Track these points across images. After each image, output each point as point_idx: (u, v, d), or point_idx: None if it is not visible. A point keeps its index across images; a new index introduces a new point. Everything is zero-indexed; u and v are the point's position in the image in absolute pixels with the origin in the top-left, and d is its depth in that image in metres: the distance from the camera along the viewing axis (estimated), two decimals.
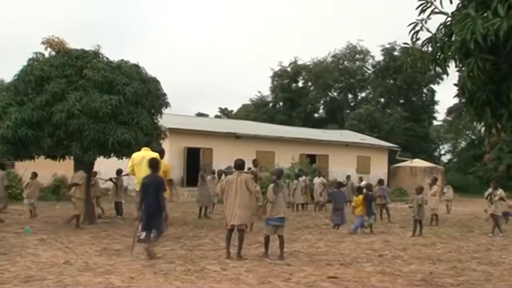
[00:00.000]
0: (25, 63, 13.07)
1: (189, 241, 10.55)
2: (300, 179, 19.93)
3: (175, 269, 7.62)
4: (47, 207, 18.52)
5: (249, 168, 13.38)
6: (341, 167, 29.31)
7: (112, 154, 13.11)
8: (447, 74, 5.41)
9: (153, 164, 8.93)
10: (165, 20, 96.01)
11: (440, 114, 52.08)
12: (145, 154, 9.99)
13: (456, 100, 6.27)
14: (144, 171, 9.52)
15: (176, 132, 22.87)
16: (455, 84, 5.50)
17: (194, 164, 25.02)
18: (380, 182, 17.09)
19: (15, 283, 6.44)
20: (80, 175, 12.83)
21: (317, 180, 20.67)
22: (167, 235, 11.06)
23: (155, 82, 13.71)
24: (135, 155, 10.19)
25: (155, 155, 9.77)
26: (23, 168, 21.32)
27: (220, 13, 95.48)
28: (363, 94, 54.83)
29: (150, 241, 8.64)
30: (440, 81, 45.82)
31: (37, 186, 15.93)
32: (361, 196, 13.21)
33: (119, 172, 15.61)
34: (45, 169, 21.11)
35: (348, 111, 51.19)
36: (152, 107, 13.59)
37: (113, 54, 13.85)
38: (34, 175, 15.88)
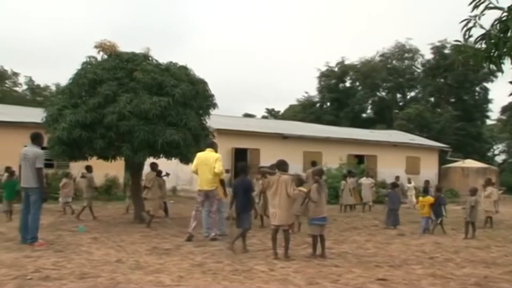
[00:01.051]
0: (79, 67, 13.46)
1: (237, 241, 10.57)
2: (348, 180, 19.73)
3: (223, 268, 7.68)
4: (99, 207, 18.93)
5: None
6: (390, 168, 28.83)
7: (161, 155, 13.32)
8: (502, 72, 5.22)
9: (242, 168, 10.21)
10: (213, 20, 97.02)
11: (494, 113, 50.56)
12: (209, 155, 10.85)
13: (511, 99, 6.06)
14: (207, 171, 10.63)
15: (224, 132, 23.01)
16: (510, 82, 5.33)
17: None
18: (426, 183, 16.88)
19: (71, 279, 6.63)
20: (150, 177, 13.34)
21: (365, 181, 20.41)
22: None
23: (203, 83, 13.86)
24: (200, 155, 10.97)
25: (218, 156, 10.86)
26: (76, 169, 21.94)
27: (268, 14, 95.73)
28: (412, 94, 53.84)
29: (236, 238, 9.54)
30: (494, 79, 44.56)
31: (72, 186, 16.76)
32: (429, 197, 13.33)
33: (159, 173, 15.83)
34: (97, 169, 21.66)
35: (396, 111, 50.35)
36: (200, 108, 13.75)
37: (162, 56, 14.12)
38: (68, 174, 16.88)
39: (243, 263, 8.18)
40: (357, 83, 53.99)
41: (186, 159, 13.13)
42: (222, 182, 11.49)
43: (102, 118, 12.24)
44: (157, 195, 13.46)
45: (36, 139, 9.89)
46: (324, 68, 54.01)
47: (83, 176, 16.08)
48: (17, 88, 56.61)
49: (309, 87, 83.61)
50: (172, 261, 8.16)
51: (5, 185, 15.01)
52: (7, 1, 78.85)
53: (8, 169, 16.36)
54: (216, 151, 11.12)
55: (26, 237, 9.53)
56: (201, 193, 10.87)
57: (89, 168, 15.48)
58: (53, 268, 7.35)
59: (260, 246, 9.99)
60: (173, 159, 13.52)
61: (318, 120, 46.94)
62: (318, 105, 55.23)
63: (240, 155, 25.31)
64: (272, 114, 62.39)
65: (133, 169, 14.49)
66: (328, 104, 54.69)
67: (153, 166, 13.65)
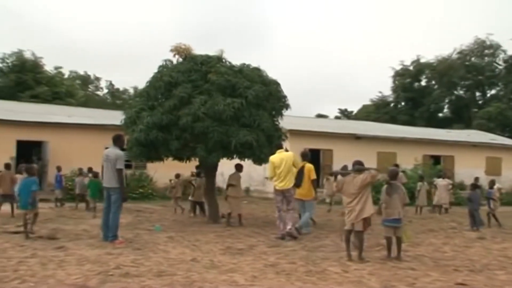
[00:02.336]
0: (156, 70, 13.83)
1: (310, 242, 10.55)
2: (425, 182, 19.21)
3: (296, 269, 7.67)
4: (173, 207, 19.40)
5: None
6: (468, 169, 27.71)
7: (234, 156, 13.47)
8: None
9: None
10: (285, 21, 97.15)
11: None
12: (282, 156, 11.31)
13: None
14: (284, 172, 11.08)
15: (297, 133, 22.96)
16: None
17: (315, 165, 25.04)
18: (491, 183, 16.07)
19: (149, 277, 6.85)
20: (236, 176, 13.66)
21: (442, 182, 19.73)
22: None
23: (275, 84, 13.88)
24: (273, 158, 11.39)
25: (291, 154, 11.37)
26: (153, 169, 22.64)
27: (341, 13, 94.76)
28: (493, 91, 51.49)
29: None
30: None
31: (179, 187, 17.61)
32: None
33: (198, 174, 16.13)
34: (172, 170, 22.28)
35: (475, 109, 48.39)
36: (273, 109, 13.78)
37: (236, 55, 14.28)
38: (178, 176, 17.67)
39: (316, 264, 8.14)
40: (433, 82, 52.38)
41: (259, 160, 13.21)
42: (313, 183, 11.88)
43: (177, 119, 12.50)
44: (241, 194, 13.73)
45: (117, 141, 10.31)
46: (398, 67, 52.85)
47: (193, 176, 16.82)
48: (98, 92, 59.38)
49: (383, 87, 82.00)
50: (245, 261, 8.24)
51: (90, 184, 16.19)
52: (90, 10, 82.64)
53: (91, 170, 17.22)
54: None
55: (107, 235, 9.95)
56: (279, 192, 11.26)
57: (199, 168, 16.15)
58: (132, 265, 7.62)
59: (333, 247, 9.90)
60: (246, 160, 13.63)
61: (392, 120, 45.96)
62: (392, 104, 54.10)
63: (313, 156, 25.16)
64: (345, 114, 61.72)
65: (208, 170, 14.73)
66: (403, 103, 53.44)
67: (238, 167, 13.82)
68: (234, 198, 13.63)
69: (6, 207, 14.53)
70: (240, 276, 7.07)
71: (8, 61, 42.65)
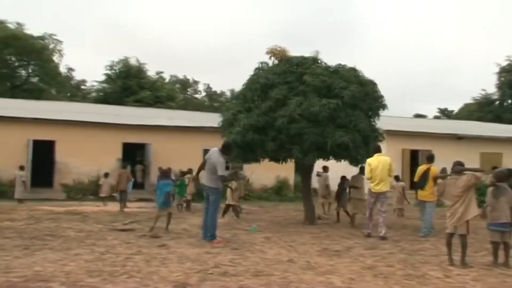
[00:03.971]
0: (252, 73, 14.07)
1: (409, 245, 10.26)
2: None
3: (395, 273, 7.48)
4: (271, 207, 19.64)
5: None
6: None
7: (330, 157, 13.39)
8: None
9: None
10: (380, 17, 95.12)
11: None
12: (380, 159, 11.63)
13: None
14: (380, 175, 11.40)
15: (394, 134, 22.41)
16: None
17: (413, 166, 24.28)
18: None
19: (247, 276, 6.97)
20: (359, 178, 13.70)
21: None
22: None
23: (372, 84, 13.63)
24: (371, 161, 11.65)
25: (388, 159, 11.66)
26: (249, 171, 23.00)
27: (439, 6, 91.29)
28: None
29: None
30: None
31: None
32: None
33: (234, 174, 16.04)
34: (268, 171, 22.53)
35: None
36: (369, 109, 13.54)
37: (332, 54, 14.19)
38: (318, 173, 17.84)
39: (416, 268, 7.89)
40: None
41: (356, 161, 13.05)
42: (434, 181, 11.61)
43: (273, 121, 12.62)
44: (364, 196, 13.68)
45: (225, 148, 10.51)
46: (505, 63, 49.93)
47: (318, 175, 16.97)
48: (197, 95, 61.26)
49: (487, 84, 77.91)
50: (342, 263, 8.16)
51: (179, 184, 16.90)
52: (189, 17, 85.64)
53: (190, 171, 17.87)
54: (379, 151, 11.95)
55: (206, 234, 10.25)
56: (373, 194, 11.61)
57: (325, 168, 16.52)
58: (230, 264, 7.79)
59: (433, 251, 9.55)
60: (342, 161, 13.50)
61: (497, 119, 43.52)
62: (497, 103, 51.17)
63: (411, 156, 24.50)
64: (445, 114, 59.29)
65: (303, 171, 14.74)
66: (510, 101, 50.40)
67: (362, 169, 13.82)
68: (359, 200, 13.58)
69: (108, 206, 15.39)
70: (337, 278, 7.02)
71: (115, 68, 45.16)
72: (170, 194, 12.11)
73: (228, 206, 15.17)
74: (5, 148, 21.55)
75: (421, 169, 12.13)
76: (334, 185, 15.58)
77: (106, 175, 19.55)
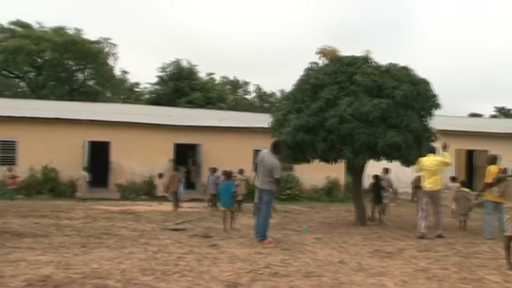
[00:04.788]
0: (302, 73, 14.03)
1: (464, 247, 9.99)
2: None
3: (450, 276, 7.30)
4: (321, 208, 19.56)
5: None
6: None
7: (382, 157, 13.22)
8: None
9: None
10: (431, 13, 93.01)
11: None
12: (431, 158, 11.73)
13: None
14: (432, 174, 11.51)
15: (448, 134, 21.77)
16: None
17: (468, 167, 23.74)
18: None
19: (297, 277, 6.96)
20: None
21: None
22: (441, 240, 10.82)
23: (424, 83, 13.34)
24: (423, 159, 11.78)
25: (440, 159, 11.73)
26: (300, 171, 22.99)
27: (493, 3, 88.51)
28: None
29: None
30: None
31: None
32: None
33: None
34: (319, 172, 22.45)
35: None
36: (422, 109, 13.25)
37: (382, 57, 14.00)
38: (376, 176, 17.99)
39: (472, 271, 7.67)
40: None
41: (408, 161, 12.83)
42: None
43: (323, 121, 12.56)
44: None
45: (275, 148, 10.50)
46: None
47: (380, 179, 16.79)
48: (247, 96, 61.65)
49: None
50: (395, 265, 8.03)
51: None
52: (239, 19, 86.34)
53: (241, 172, 18.06)
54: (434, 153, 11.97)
55: (257, 234, 10.31)
56: (426, 194, 11.66)
57: (387, 170, 16.51)
58: (281, 265, 7.79)
59: (491, 254, 9.27)
60: (393, 161, 13.32)
61: None
62: None
63: (466, 156, 23.91)
64: (502, 112, 57.37)
65: (354, 171, 14.61)
66: None
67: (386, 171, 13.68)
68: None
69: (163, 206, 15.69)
70: (390, 280, 6.92)
71: (167, 70, 46.00)
72: (235, 194, 12.76)
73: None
74: (64, 149, 22.37)
75: (493, 170, 11.71)
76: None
77: (160, 175, 20.47)
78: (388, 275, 7.23)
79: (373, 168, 15.90)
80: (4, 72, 44.39)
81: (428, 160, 11.66)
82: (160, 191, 20.04)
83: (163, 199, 19.51)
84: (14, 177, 20.27)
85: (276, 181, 10.24)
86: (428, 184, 11.56)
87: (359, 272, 7.42)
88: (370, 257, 8.78)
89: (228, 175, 13.08)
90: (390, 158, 13.10)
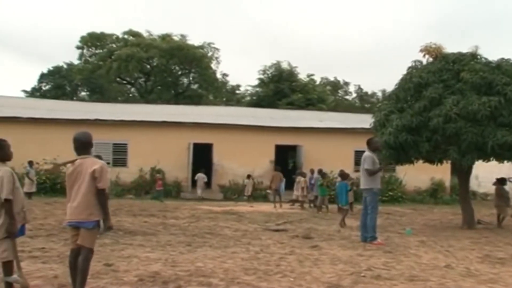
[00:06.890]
0: (404, 72, 13.73)
1: None
2: None
3: None
4: (425, 210, 18.97)
5: None
6: None
7: (491, 158, 12.58)
8: None
9: None
10: None
11: None
12: None
13: None
14: None
15: None
16: None
17: None
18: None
19: (401, 281, 6.79)
20: None
21: None
22: None
23: None
24: None
25: None
26: (402, 172, 22.37)
27: None
28: None
29: None
30: None
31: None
32: None
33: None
34: (422, 173, 21.73)
35: None
36: None
37: (493, 52, 13.33)
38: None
39: None
40: None
41: None
42: None
43: (427, 121, 12.20)
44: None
45: (368, 144, 10.57)
46: None
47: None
48: (347, 97, 60.99)
49: None
50: (508, 272, 7.58)
51: (319, 184, 17.96)
52: (338, 17, 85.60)
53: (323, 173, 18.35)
54: None
55: (365, 236, 10.21)
56: None
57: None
58: (383, 268, 7.65)
59: None
60: (505, 162, 12.62)
61: None
62: None
63: None
64: None
65: (461, 172, 14.01)
66: None
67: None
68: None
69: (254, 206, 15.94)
70: None
71: (268, 72, 46.64)
72: (349, 194, 14.16)
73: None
74: (170, 151, 23.39)
75: None
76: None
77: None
78: (501, 282, 6.86)
79: (481, 169, 15.16)
80: (118, 79, 47.36)
81: None
82: (248, 190, 21.58)
83: (251, 198, 21.31)
84: (159, 179, 21.55)
85: (366, 171, 10.12)
86: None
87: (468, 278, 7.10)
88: (479, 262, 8.37)
89: (343, 176, 14.10)
90: (500, 158, 12.50)
